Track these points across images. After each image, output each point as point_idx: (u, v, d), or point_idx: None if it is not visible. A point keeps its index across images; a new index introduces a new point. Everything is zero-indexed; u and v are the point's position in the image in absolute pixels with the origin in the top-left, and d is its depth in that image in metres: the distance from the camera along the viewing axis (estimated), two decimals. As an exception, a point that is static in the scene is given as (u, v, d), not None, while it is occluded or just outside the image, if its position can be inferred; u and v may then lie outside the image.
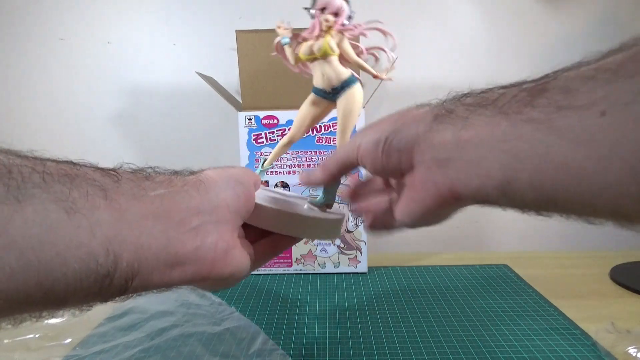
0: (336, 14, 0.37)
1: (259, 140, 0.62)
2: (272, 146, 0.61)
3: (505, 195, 0.21)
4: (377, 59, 0.42)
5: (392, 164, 0.26)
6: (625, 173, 0.17)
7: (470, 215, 0.81)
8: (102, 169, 0.24)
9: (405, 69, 0.76)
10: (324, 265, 0.65)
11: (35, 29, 0.76)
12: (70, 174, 0.21)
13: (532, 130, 0.19)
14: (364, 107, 0.61)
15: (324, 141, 0.61)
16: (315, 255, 0.65)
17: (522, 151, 0.20)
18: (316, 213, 0.35)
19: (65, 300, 0.20)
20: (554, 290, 0.57)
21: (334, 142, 0.61)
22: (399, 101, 0.78)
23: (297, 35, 0.40)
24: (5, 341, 0.44)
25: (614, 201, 0.17)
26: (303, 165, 0.62)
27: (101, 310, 0.51)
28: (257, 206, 0.33)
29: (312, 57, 0.38)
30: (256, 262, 0.31)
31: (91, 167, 0.23)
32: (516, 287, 0.59)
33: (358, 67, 0.40)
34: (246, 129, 0.61)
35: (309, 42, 0.38)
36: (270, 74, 0.61)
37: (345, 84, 0.39)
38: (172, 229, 0.23)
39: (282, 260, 0.65)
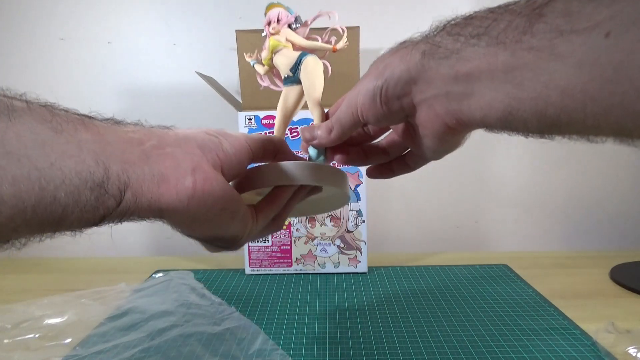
0: (278, 20, 0.44)
1: (259, 140, 0.62)
2: (272, 146, 0.61)
3: (509, 123, 0.21)
4: (333, 38, 0.46)
5: (394, 111, 0.27)
6: (631, 93, 0.16)
7: (470, 215, 0.81)
8: (74, 110, 0.25)
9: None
10: (324, 265, 0.65)
11: (36, 29, 0.76)
12: (49, 107, 0.22)
13: (535, 58, 0.19)
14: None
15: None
16: (315, 255, 0.65)
17: (525, 80, 0.20)
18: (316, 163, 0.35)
19: (64, 214, 0.20)
20: (554, 290, 0.57)
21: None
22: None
23: (257, 54, 0.47)
24: (5, 341, 0.44)
25: (618, 121, 0.17)
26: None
27: (101, 311, 0.52)
28: (258, 168, 0.32)
29: (269, 58, 0.44)
30: (260, 219, 0.31)
31: (64, 108, 0.24)
32: (516, 287, 0.59)
33: (314, 49, 0.44)
34: (246, 129, 0.61)
35: (265, 50, 0.45)
36: (270, 74, 0.61)
37: (299, 60, 0.42)
38: (149, 151, 0.24)
39: (282, 261, 0.65)
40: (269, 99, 0.62)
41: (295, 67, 0.42)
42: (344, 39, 0.44)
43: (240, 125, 0.61)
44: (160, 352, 0.42)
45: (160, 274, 0.62)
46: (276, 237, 0.64)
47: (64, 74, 0.77)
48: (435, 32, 0.25)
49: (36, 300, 0.53)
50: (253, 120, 0.61)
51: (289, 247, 0.65)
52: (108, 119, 0.26)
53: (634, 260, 0.67)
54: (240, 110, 0.62)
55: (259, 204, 0.31)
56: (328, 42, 0.45)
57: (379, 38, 0.76)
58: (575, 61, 0.18)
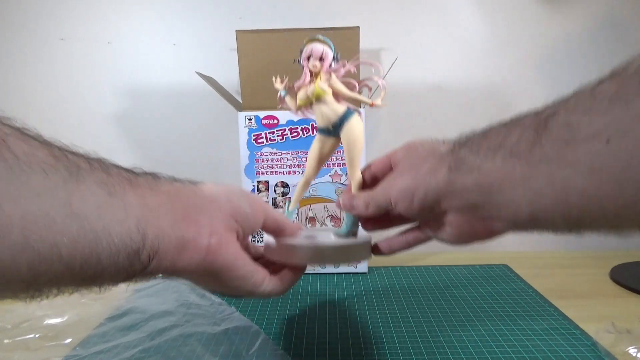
0: (321, 59, 0.42)
1: (259, 140, 0.62)
2: (272, 146, 0.62)
3: (536, 226, 0.24)
4: (370, 88, 0.45)
5: (425, 213, 0.30)
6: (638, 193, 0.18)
7: (470, 215, 0.81)
8: (121, 166, 0.27)
9: (405, 69, 0.76)
10: (324, 265, 0.65)
11: (36, 29, 0.76)
12: (103, 164, 0.24)
13: (547, 168, 0.21)
14: (363, 107, 0.61)
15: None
16: (315, 255, 0.65)
17: (543, 188, 0.22)
18: (346, 241, 0.40)
19: (102, 273, 0.22)
20: (554, 290, 0.57)
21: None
22: (398, 101, 0.78)
23: (292, 87, 0.45)
24: (6, 341, 0.44)
25: (636, 217, 0.19)
26: (303, 165, 0.62)
27: (101, 311, 0.52)
28: (287, 246, 0.36)
29: (309, 102, 0.43)
30: (280, 282, 0.34)
31: (114, 163, 0.26)
32: (516, 287, 0.59)
33: (353, 101, 0.44)
34: (246, 129, 0.61)
35: (304, 89, 0.43)
36: (270, 74, 0.61)
37: (344, 118, 0.42)
38: (178, 218, 0.26)
39: (282, 260, 0.65)
40: (269, 99, 0.62)
41: (339, 124, 0.42)
42: (382, 94, 0.43)
43: (240, 125, 0.61)
44: (160, 352, 0.42)
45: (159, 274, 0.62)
46: (276, 237, 0.64)
47: (64, 74, 0.77)
48: (459, 146, 0.28)
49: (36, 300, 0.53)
50: (253, 120, 0.61)
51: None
52: (147, 174, 0.29)
53: (634, 260, 0.67)
54: (240, 110, 0.62)
55: (282, 272, 0.35)
56: (365, 84, 0.45)
57: (379, 38, 0.76)
58: (585, 168, 0.20)
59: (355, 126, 0.42)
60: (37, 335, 0.45)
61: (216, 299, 0.54)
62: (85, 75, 0.77)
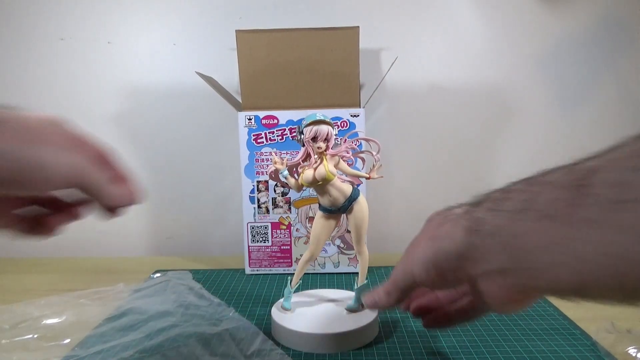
0: (326, 139, 0.43)
1: (259, 140, 0.62)
2: (272, 146, 0.61)
3: (581, 295, 0.21)
4: (364, 160, 0.49)
5: (450, 281, 0.28)
6: None
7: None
8: None
9: (405, 69, 0.76)
10: (323, 265, 0.65)
11: (36, 29, 0.76)
12: None
13: (595, 232, 0.19)
14: (363, 107, 0.61)
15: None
16: (315, 255, 0.65)
17: (590, 254, 0.19)
18: (354, 322, 0.44)
19: None
20: (554, 290, 0.57)
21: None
22: (398, 101, 0.78)
23: (292, 166, 0.46)
24: (4, 341, 0.44)
25: None
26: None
27: (100, 311, 0.51)
28: (296, 333, 0.41)
29: (315, 183, 0.43)
30: None
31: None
32: (516, 287, 0.58)
33: (354, 177, 0.47)
34: (246, 129, 0.61)
35: (309, 171, 0.43)
36: (270, 74, 0.61)
37: (352, 198, 0.44)
38: None
39: (282, 261, 0.65)
40: (269, 99, 0.62)
41: (347, 204, 0.44)
42: (377, 167, 0.45)
43: (240, 125, 0.61)
44: (159, 352, 0.42)
45: (158, 274, 0.62)
46: (276, 237, 0.64)
47: (64, 74, 0.77)
48: (474, 207, 0.26)
49: (35, 301, 0.53)
50: (253, 120, 0.61)
51: (289, 247, 0.65)
52: None
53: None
54: (240, 110, 0.62)
55: None
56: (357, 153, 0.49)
57: (379, 38, 0.76)
58: (633, 229, 0.17)
59: (364, 205, 0.45)
60: (35, 336, 0.45)
61: (215, 299, 0.53)
62: (85, 75, 0.77)
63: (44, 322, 0.48)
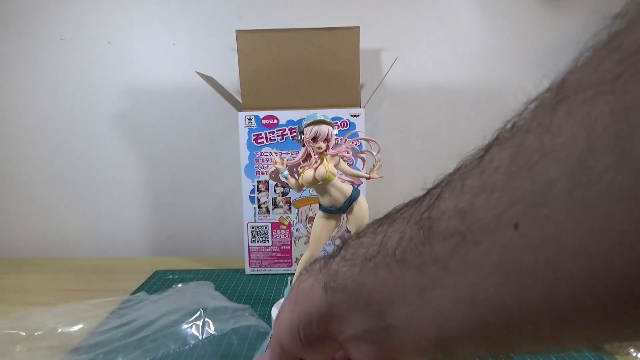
0: (326, 139, 0.43)
1: (259, 140, 0.62)
2: (272, 146, 0.61)
3: (451, 353, 0.17)
4: (364, 160, 0.49)
5: (320, 350, 0.23)
6: (582, 296, 0.12)
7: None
8: None
9: (405, 69, 0.76)
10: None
11: (36, 29, 0.76)
12: None
13: (442, 272, 0.16)
14: (363, 107, 0.61)
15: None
16: (315, 255, 0.65)
17: (442, 300, 0.16)
18: None
19: None
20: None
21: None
22: (398, 101, 0.78)
23: (292, 167, 0.46)
24: (18, 348, 0.44)
25: (584, 332, 0.13)
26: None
27: (115, 320, 0.50)
28: None
29: (315, 183, 0.43)
30: None
31: None
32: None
33: (355, 177, 0.47)
34: (246, 129, 0.61)
35: (310, 171, 0.43)
36: (270, 74, 0.61)
37: (352, 199, 0.44)
38: None
39: (282, 261, 0.65)
40: (269, 99, 0.62)
41: (348, 204, 0.44)
42: (378, 167, 0.45)
43: (240, 125, 0.61)
44: (165, 347, 0.42)
45: (180, 285, 0.58)
46: (276, 237, 0.64)
47: (64, 74, 0.77)
48: (332, 257, 0.22)
49: (51, 308, 0.52)
50: (253, 120, 0.61)
51: (289, 247, 0.65)
52: None
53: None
54: (240, 110, 0.62)
55: None
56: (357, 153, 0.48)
57: (379, 38, 0.76)
58: (495, 268, 0.14)
59: (364, 205, 0.44)
60: (50, 344, 0.45)
61: (233, 304, 0.51)
62: (85, 75, 0.77)
63: (59, 330, 0.48)
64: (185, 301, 0.51)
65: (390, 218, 0.19)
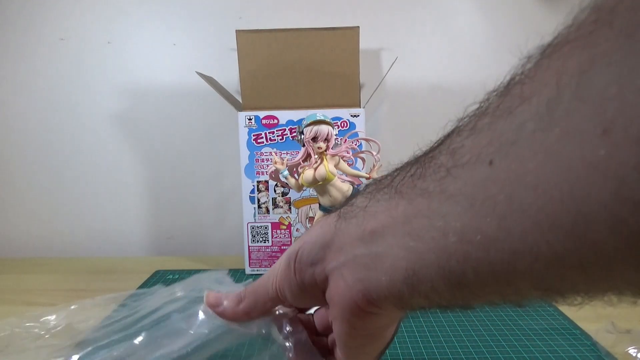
0: (326, 139, 0.42)
1: (259, 140, 0.62)
2: (272, 146, 0.61)
3: (416, 288, 0.17)
4: (364, 160, 0.49)
5: (307, 283, 0.22)
6: (530, 230, 0.13)
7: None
8: None
9: (405, 69, 0.76)
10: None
11: (36, 29, 0.76)
12: None
13: (427, 202, 0.16)
14: (363, 107, 0.61)
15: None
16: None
17: (423, 229, 0.16)
18: None
19: None
20: (554, 290, 0.57)
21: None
22: (398, 101, 0.78)
23: (292, 167, 0.46)
24: (33, 345, 0.43)
25: (531, 271, 0.14)
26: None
27: (128, 315, 0.50)
28: None
29: (315, 183, 0.43)
30: None
31: None
32: (516, 287, 0.58)
33: (355, 177, 0.47)
34: (246, 129, 0.61)
35: (310, 171, 0.43)
36: (270, 74, 0.61)
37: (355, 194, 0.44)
38: None
39: (282, 260, 0.65)
40: (269, 99, 0.62)
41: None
42: (378, 167, 0.46)
43: (240, 125, 0.61)
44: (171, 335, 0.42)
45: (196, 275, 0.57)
46: (276, 237, 0.64)
47: (64, 74, 0.77)
48: (358, 193, 0.23)
49: (67, 306, 0.52)
50: (253, 120, 0.61)
51: (289, 247, 0.65)
52: None
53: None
54: (240, 110, 0.62)
55: None
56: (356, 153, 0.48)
57: (379, 38, 0.76)
58: (466, 199, 0.15)
59: None
60: (65, 342, 0.45)
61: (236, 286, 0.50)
62: (85, 75, 0.77)
63: (76, 327, 0.47)
64: (188, 289, 0.51)
65: (415, 156, 0.20)
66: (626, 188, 0.11)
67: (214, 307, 0.28)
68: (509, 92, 0.15)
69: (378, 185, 0.20)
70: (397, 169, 0.20)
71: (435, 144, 0.18)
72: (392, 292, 0.18)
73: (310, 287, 0.22)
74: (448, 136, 0.18)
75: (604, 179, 0.11)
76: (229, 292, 0.33)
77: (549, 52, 0.15)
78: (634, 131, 0.10)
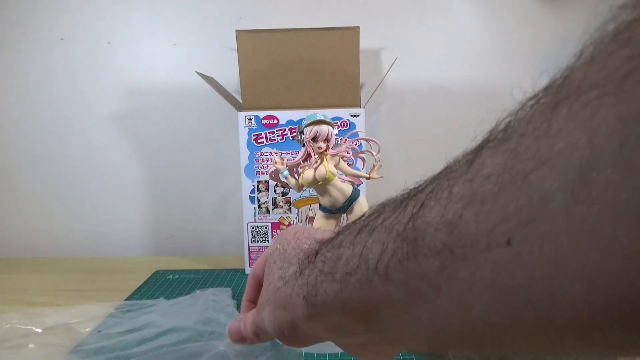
0: (326, 139, 0.42)
1: (259, 140, 0.62)
2: (272, 146, 0.61)
3: (438, 354, 0.17)
4: (364, 160, 0.49)
5: (309, 343, 0.24)
6: (554, 312, 0.11)
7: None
8: None
9: (405, 69, 0.76)
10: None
11: (36, 29, 0.76)
12: None
13: (430, 290, 0.14)
14: (363, 107, 0.61)
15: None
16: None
17: (433, 316, 0.15)
18: None
19: None
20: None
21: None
22: (398, 101, 0.78)
23: (292, 167, 0.46)
24: (31, 345, 0.43)
25: (556, 351, 0.13)
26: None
27: (125, 324, 0.49)
28: None
29: (315, 183, 0.43)
30: None
31: None
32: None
33: (355, 177, 0.47)
34: (246, 129, 0.61)
35: (310, 171, 0.43)
36: (270, 74, 0.61)
37: (352, 198, 0.44)
38: None
39: (282, 260, 0.65)
40: (269, 99, 0.62)
41: (347, 204, 0.44)
42: (378, 167, 0.46)
43: (240, 125, 0.61)
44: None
45: (198, 291, 0.56)
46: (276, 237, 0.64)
47: (64, 74, 0.77)
48: (307, 266, 0.20)
49: (68, 308, 0.51)
50: (253, 120, 0.61)
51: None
52: None
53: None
54: (240, 110, 0.62)
55: None
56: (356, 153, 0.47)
57: (379, 38, 0.76)
58: (484, 285, 0.13)
59: (364, 206, 0.44)
60: (62, 342, 0.45)
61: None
62: (85, 75, 0.77)
63: (73, 329, 0.47)
64: (196, 315, 0.49)
65: (369, 226, 0.17)
66: None
67: (237, 340, 0.29)
68: (516, 150, 0.12)
69: (342, 263, 0.18)
70: (352, 240, 0.18)
71: (413, 207, 0.15)
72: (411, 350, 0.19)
73: (316, 342, 0.24)
74: (429, 197, 0.15)
75: None
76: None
77: (563, 97, 0.12)
78: None
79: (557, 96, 0.12)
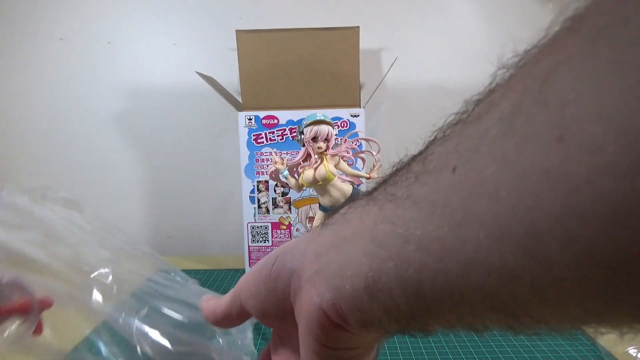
0: (326, 139, 0.42)
1: (259, 140, 0.62)
2: (272, 146, 0.61)
3: (376, 298, 0.16)
4: (364, 160, 0.49)
5: (279, 290, 0.20)
6: (484, 241, 0.12)
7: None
8: None
9: (405, 69, 0.76)
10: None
11: (36, 29, 0.76)
12: None
13: (394, 208, 0.16)
14: (363, 107, 0.61)
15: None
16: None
17: (387, 235, 0.16)
18: None
19: None
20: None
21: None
22: (398, 101, 0.78)
23: (292, 167, 0.46)
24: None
25: (484, 286, 0.13)
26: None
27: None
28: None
29: (315, 183, 0.43)
30: None
31: None
32: (516, 287, 0.59)
33: (355, 177, 0.47)
34: (246, 129, 0.61)
35: (310, 171, 0.43)
36: (270, 74, 0.62)
37: (352, 198, 0.45)
38: None
39: (282, 260, 0.65)
40: (269, 99, 0.62)
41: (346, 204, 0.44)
42: (378, 167, 0.46)
43: (240, 125, 0.61)
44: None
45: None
46: (276, 237, 0.64)
47: (64, 74, 0.77)
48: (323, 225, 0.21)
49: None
50: (253, 120, 0.61)
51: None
52: None
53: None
54: (240, 110, 0.62)
55: None
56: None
57: (379, 38, 0.76)
58: (428, 206, 0.14)
59: None
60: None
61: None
62: (85, 75, 0.77)
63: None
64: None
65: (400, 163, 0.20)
66: (577, 200, 0.10)
67: (210, 319, 0.25)
68: (483, 100, 0.15)
69: (362, 194, 0.20)
70: (381, 178, 0.20)
71: (415, 153, 0.18)
72: (354, 302, 0.17)
73: (280, 296, 0.21)
74: (426, 144, 0.17)
75: (556, 189, 0.10)
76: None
77: (522, 64, 0.14)
78: (587, 138, 0.10)
79: (519, 60, 0.15)
